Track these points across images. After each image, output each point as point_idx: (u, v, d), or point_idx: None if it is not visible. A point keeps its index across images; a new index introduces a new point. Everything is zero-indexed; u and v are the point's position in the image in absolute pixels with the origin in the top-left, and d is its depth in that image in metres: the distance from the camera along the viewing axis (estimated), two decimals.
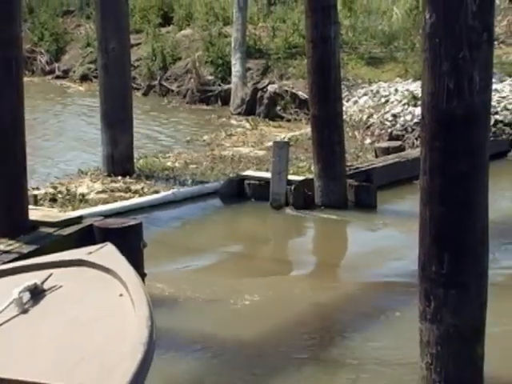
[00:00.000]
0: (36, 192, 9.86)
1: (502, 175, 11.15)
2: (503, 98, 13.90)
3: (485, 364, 5.61)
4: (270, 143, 11.67)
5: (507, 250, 8.37)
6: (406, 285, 7.00)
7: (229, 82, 17.52)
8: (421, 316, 5.69)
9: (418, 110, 12.12)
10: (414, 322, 5.79)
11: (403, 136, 13.74)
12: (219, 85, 17.97)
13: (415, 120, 13.31)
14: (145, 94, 18.92)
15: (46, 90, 20.02)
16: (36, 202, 9.24)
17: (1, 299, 3.69)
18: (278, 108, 16.30)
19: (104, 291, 3.80)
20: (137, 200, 10.18)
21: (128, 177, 11.12)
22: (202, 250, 8.93)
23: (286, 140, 12.39)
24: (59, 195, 9.99)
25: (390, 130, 14.04)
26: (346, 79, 14.87)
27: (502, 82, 14.13)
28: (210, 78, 18.25)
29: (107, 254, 4.15)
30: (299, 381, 5.90)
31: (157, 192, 10.55)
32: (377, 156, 12.44)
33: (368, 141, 13.87)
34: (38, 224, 7.55)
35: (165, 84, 19.01)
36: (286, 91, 16.35)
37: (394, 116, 14.29)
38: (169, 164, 12.08)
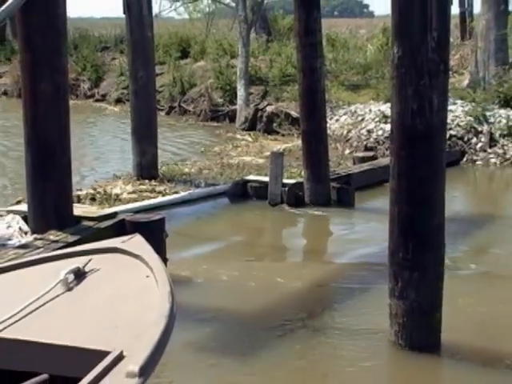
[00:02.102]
0: (79, 193, 9.88)
1: (455, 180, 11.17)
2: (456, 116, 13.92)
3: (441, 332, 5.65)
4: (268, 153, 11.67)
5: (459, 241, 8.39)
6: (378, 268, 7.00)
7: (234, 104, 17.50)
8: (390, 293, 5.71)
9: (387, 127, 12.11)
10: (384, 298, 5.81)
11: (376, 147, 13.76)
12: (227, 106, 17.96)
13: (385, 134, 13.30)
14: (167, 114, 18.92)
15: (88, 111, 20.03)
16: (79, 200, 9.27)
17: (50, 279, 3.70)
18: (275, 125, 16.30)
19: (134, 273, 3.81)
20: (160, 199, 10.18)
21: (153, 180, 11.12)
22: (213, 240, 8.93)
23: (281, 150, 12.38)
24: (98, 195, 10.00)
25: (365, 143, 14.05)
26: (330, 101, 14.86)
27: (455, 104, 14.13)
28: (219, 100, 18.24)
29: (136, 243, 4.16)
30: (293, 344, 5.91)
31: (176, 192, 10.55)
32: (354, 163, 12.44)
33: (347, 151, 13.87)
34: (80, 219, 7.56)
35: (183, 105, 19.03)
36: (281, 111, 16.34)
37: (369, 131, 14.31)
38: (186, 170, 12.09)
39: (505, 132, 13.79)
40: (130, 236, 4.30)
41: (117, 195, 10.11)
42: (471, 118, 14.04)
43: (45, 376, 3.20)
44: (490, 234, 9.20)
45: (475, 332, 6.05)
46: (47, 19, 7.13)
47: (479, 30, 17.58)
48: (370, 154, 13.00)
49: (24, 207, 7.75)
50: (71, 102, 7.85)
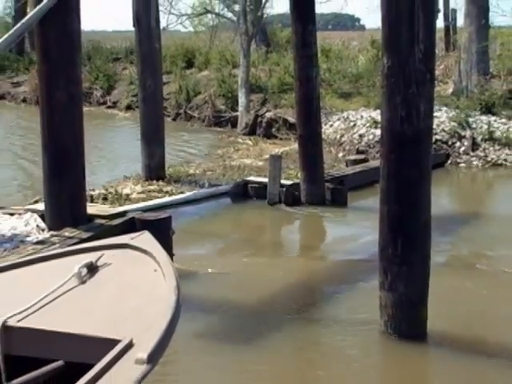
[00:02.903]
0: (92, 193, 9.86)
1: (440, 181, 11.18)
2: (441, 122, 13.92)
3: (428, 322, 5.65)
4: (267, 156, 11.66)
5: (444, 238, 8.39)
6: (369, 262, 7.00)
7: (236, 110, 17.50)
8: (380, 286, 5.71)
9: (378, 132, 12.10)
10: (374, 291, 5.81)
11: (367, 151, 13.76)
12: (229, 112, 17.94)
13: (376, 139, 13.32)
14: (173, 120, 18.90)
15: (100, 117, 20.02)
16: (92, 200, 9.25)
17: (65, 273, 3.70)
18: (273, 130, 16.28)
19: (142, 267, 3.80)
20: (167, 199, 10.17)
21: (161, 181, 11.11)
22: (216, 236, 8.93)
23: (279, 154, 12.37)
24: (109, 195, 9.99)
25: (357, 146, 14.05)
26: (324, 108, 14.85)
27: (440, 111, 14.14)
28: (222, 107, 18.23)
29: (145, 239, 4.15)
30: (289, 331, 5.91)
31: (182, 192, 10.54)
32: (347, 166, 12.42)
33: (340, 154, 13.85)
34: (93, 217, 7.55)
35: (188, 112, 19.00)
36: (279, 117, 16.32)
37: (360, 136, 14.30)
38: (191, 171, 12.07)
39: (486, 137, 13.82)
40: (139, 233, 4.29)
41: (127, 195, 10.11)
42: (455, 124, 14.06)
43: (60, 362, 3.21)
44: (473, 231, 9.19)
45: (459, 322, 6.05)
46: (63, 32, 7.14)
47: (462, 43, 17.63)
48: (362, 156, 12.99)
49: (41, 206, 7.74)
50: (85, 109, 7.85)
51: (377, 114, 13.40)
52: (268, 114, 16.64)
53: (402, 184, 5.54)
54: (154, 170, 11.31)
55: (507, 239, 8.66)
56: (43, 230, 7.31)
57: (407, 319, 5.60)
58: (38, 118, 7.50)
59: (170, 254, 6.02)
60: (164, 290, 3.46)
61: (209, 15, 22.75)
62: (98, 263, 3.83)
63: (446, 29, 22.64)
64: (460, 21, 20.75)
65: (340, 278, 7.30)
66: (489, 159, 13.41)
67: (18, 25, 7.51)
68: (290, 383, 5.30)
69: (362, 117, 14.96)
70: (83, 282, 3.69)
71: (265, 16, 20.05)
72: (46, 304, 3.47)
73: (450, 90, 16.96)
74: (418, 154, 5.52)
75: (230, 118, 17.79)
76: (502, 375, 5.15)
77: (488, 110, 15.02)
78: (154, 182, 11.05)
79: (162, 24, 13.97)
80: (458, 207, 10.98)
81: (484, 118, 14.47)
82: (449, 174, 12.95)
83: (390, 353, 5.61)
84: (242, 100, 17.14)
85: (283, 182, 10.36)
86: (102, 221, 7.51)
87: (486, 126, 13.99)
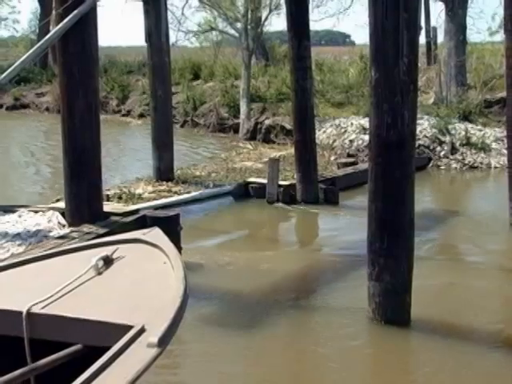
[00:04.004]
0: (108, 192, 9.82)
1: (423, 182, 11.17)
2: (423, 129, 13.91)
3: (411, 309, 5.64)
4: (266, 159, 11.65)
5: (426, 233, 8.38)
6: (358, 255, 6.98)
7: (238, 118, 17.46)
8: (368, 276, 5.70)
9: (366, 137, 12.12)
10: (363, 281, 5.81)
11: (356, 155, 13.73)
12: (232, 120, 17.91)
13: (364, 144, 13.30)
14: (181, 126, 18.85)
15: (115, 124, 20.00)
16: (108, 199, 9.24)
17: (83, 265, 3.69)
18: (272, 135, 16.24)
19: (153, 260, 3.80)
20: (176, 198, 10.14)
21: (170, 182, 11.06)
22: (219, 232, 8.92)
23: (277, 157, 12.37)
24: (123, 194, 9.95)
25: (347, 151, 14.03)
26: (318, 116, 14.81)
27: (422, 118, 14.13)
28: (225, 115, 18.19)
29: (155, 234, 4.14)
30: (286, 317, 5.90)
31: (189, 192, 10.50)
32: (338, 168, 12.40)
33: (332, 158, 13.82)
34: (109, 214, 7.56)
35: (195, 119, 18.95)
36: (277, 124, 16.29)
37: (350, 141, 14.28)
38: (197, 173, 12.03)
39: (464, 142, 13.82)
40: (150, 229, 4.28)
41: (139, 194, 10.08)
42: (436, 130, 14.04)
43: (79, 346, 3.21)
44: (452, 227, 9.20)
45: (440, 308, 6.06)
46: (82, 48, 7.14)
47: (442, 57, 17.63)
48: (352, 160, 12.98)
49: (62, 205, 7.74)
50: (101, 117, 7.85)
51: (365, 121, 13.38)
52: (267, 121, 16.63)
53: (388, 184, 5.53)
54: (164, 171, 11.28)
55: (482, 234, 8.67)
56: (64, 226, 7.31)
57: (393, 307, 5.59)
58: (59, 125, 7.51)
59: (178, 248, 5.99)
60: (173, 281, 3.45)
61: (213, 32, 22.62)
62: (113, 256, 3.83)
63: (428, 44, 22.65)
64: (440, 37, 20.74)
65: (332, 269, 7.30)
66: (466, 162, 13.41)
67: (42, 41, 7.52)
68: (286, 361, 5.30)
69: (352, 124, 14.93)
70: (100, 273, 3.68)
71: (264, 33, 20.04)
72: (67, 293, 3.46)
73: (432, 100, 16.95)
74: (403, 158, 5.52)
75: (233, 125, 17.76)
76: (477, 356, 5.15)
77: (465, 117, 15.04)
78: (164, 182, 11.02)
79: (172, 40, 13.89)
80: (439, 205, 10.96)
81: (462, 125, 14.46)
82: (430, 175, 12.95)
83: (377, 336, 5.60)
84: (243, 108, 17.12)
85: (281, 182, 10.34)
86: (117, 218, 7.52)
87: (463, 133, 13.99)
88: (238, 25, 18.06)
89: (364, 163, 11.93)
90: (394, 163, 5.49)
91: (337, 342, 5.45)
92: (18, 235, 7.06)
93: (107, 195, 9.44)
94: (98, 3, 7.35)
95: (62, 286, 3.49)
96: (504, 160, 11.70)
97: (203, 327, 5.61)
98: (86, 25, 7.12)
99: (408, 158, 5.56)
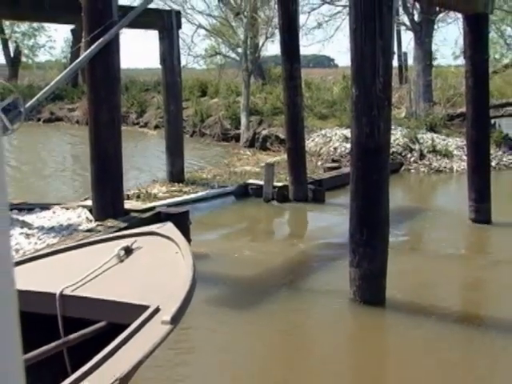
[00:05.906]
0: (128, 192, 9.80)
1: (396, 183, 11.15)
2: (396, 138, 13.91)
3: (386, 291, 5.64)
4: (263, 164, 11.64)
5: (399, 226, 8.38)
6: (342, 245, 6.98)
7: (239, 129, 17.44)
8: (350, 263, 5.70)
9: (348, 145, 12.11)
10: (346, 267, 5.80)
11: (340, 160, 13.73)
12: (233, 130, 17.90)
13: (347, 151, 13.30)
14: (191, 136, 18.80)
15: (135, 135, 19.96)
16: (128, 198, 9.23)
17: (107, 254, 3.69)
18: (268, 143, 16.23)
19: (166, 250, 3.79)
20: (186, 197, 10.13)
21: (181, 183, 11.07)
22: (223, 226, 8.91)
23: (272, 162, 12.36)
24: (141, 194, 9.95)
25: (332, 157, 14.02)
26: (307, 127, 14.68)
27: (395, 129, 14.13)
28: (228, 126, 18.18)
29: (169, 228, 4.13)
30: (280, 299, 5.89)
31: (197, 192, 10.50)
32: (325, 171, 12.40)
33: (319, 163, 13.83)
34: (129, 211, 7.56)
35: (202, 130, 18.93)
36: (272, 134, 16.29)
37: (335, 148, 14.29)
38: (204, 176, 12.03)
39: (430, 149, 13.84)
40: (163, 223, 4.27)
41: (155, 194, 10.08)
42: (407, 140, 14.06)
43: (103, 323, 3.20)
44: (421, 221, 9.19)
45: (411, 290, 6.06)
46: (106, 70, 7.14)
47: (412, 78, 17.66)
48: (336, 164, 12.98)
49: (89, 203, 7.73)
50: (123, 128, 7.84)
51: (347, 132, 13.34)
52: (264, 132, 16.62)
53: (367, 185, 5.53)
54: (176, 175, 11.28)
55: (446, 227, 8.67)
56: (91, 221, 7.30)
57: (370, 289, 5.59)
58: (87, 135, 7.49)
59: (188, 240, 5.99)
60: (183, 268, 3.44)
61: (218, 56, 22.62)
62: (133, 247, 3.82)
63: (400, 67, 22.73)
64: (410, 61, 20.79)
65: (319, 257, 7.29)
66: (432, 167, 13.41)
67: (73, 64, 7.52)
68: (281, 333, 5.29)
69: (336, 134, 14.94)
70: (121, 261, 3.68)
71: (261, 57, 20.03)
72: (93, 278, 3.46)
73: (403, 114, 16.98)
74: (379, 162, 5.52)
75: (234, 135, 17.74)
76: (443, 329, 5.15)
77: (431, 129, 15.05)
78: (176, 184, 11.01)
79: (182, 63, 13.82)
80: (410, 203, 10.95)
81: (429, 135, 14.49)
82: (402, 178, 12.94)
83: (356, 314, 5.59)
84: (243, 121, 17.11)
85: (275, 184, 10.33)
86: (136, 214, 7.52)
87: (430, 141, 14.01)
88: (239, 50, 18.07)
89: (346, 167, 11.91)
90: (372, 167, 5.49)
91: (323, 318, 5.45)
92: (52, 228, 7.05)
93: (127, 195, 9.43)
94: (120, 32, 7.34)
95: (89, 271, 3.48)
96: (464, 165, 11.69)
97: (210, 307, 5.60)
98: (110, 50, 7.12)
99: (384, 162, 5.56)
